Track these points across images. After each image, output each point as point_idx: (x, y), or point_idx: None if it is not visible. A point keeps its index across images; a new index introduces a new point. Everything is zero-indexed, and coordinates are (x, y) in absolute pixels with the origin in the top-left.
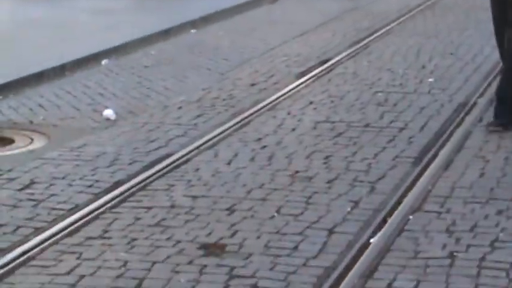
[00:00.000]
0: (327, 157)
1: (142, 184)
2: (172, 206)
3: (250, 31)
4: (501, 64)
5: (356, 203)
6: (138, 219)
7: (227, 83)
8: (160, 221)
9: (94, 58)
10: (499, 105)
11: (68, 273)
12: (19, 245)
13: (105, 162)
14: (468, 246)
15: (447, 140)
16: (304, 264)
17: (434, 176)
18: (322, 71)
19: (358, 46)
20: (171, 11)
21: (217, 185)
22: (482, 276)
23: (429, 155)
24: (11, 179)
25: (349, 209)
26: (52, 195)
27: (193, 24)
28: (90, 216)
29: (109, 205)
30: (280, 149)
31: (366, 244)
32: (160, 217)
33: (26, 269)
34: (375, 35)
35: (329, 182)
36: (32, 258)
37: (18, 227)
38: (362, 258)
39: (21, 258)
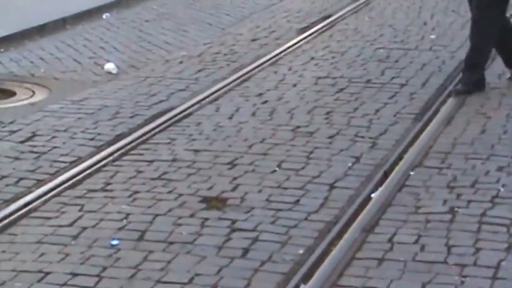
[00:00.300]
0: (328, 112)
1: (144, 137)
2: (174, 160)
3: None
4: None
5: (357, 158)
6: (139, 172)
7: (228, 38)
8: (162, 174)
9: (95, 12)
10: (465, 71)
11: (70, 224)
12: (21, 197)
13: (107, 116)
14: (469, 201)
15: (448, 96)
16: (306, 219)
17: (436, 132)
18: (323, 26)
19: (359, 2)
20: None
21: (219, 139)
22: (482, 231)
23: (430, 111)
24: (13, 131)
25: (350, 164)
26: (54, 147)
27: None
28: (92, 169)
29: (111, 158)
30: (281, 104)
31: (367, 199)
32: (162, 170)
33: (28, 220)
34: None
35: (330, 137)
36: (34, 209)
37: (21, 179)
38: (363, 213)
39: (24, 210)
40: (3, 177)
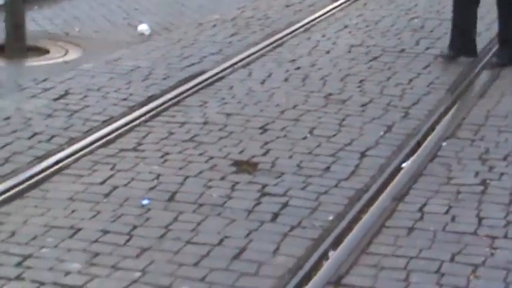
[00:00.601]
0: (361, 81)
1: (176, 99)
2: (206, 123)
3: None
4: None
5: (389, 127)
6: (171, 133)
7: (262, 3)
8: (193, 136)
9: None
10: (500, 46)
11: (102, 183)
12: (54, 154)
13: (140, 77)
14: (501, 174)
15: (483, 68)
16: (336, 186)
17: (469, 103)
18: None
19: None
20: None
21: (251, 104)
22: None
23: (464, 83)
24: (46, 89)
25: (382, 133)
26: (87, 106)
27: None
28: (124, 129)
29: (143, 118)
30: (314, 71)
31: (398, 168)
32: (194, 133)
33: (60, 177)
34: None
35: (363, 105)
36: (66, 167)
37: (53, 136)
38: (394, 182)
39: (56, 167)
40: (36, 133)
